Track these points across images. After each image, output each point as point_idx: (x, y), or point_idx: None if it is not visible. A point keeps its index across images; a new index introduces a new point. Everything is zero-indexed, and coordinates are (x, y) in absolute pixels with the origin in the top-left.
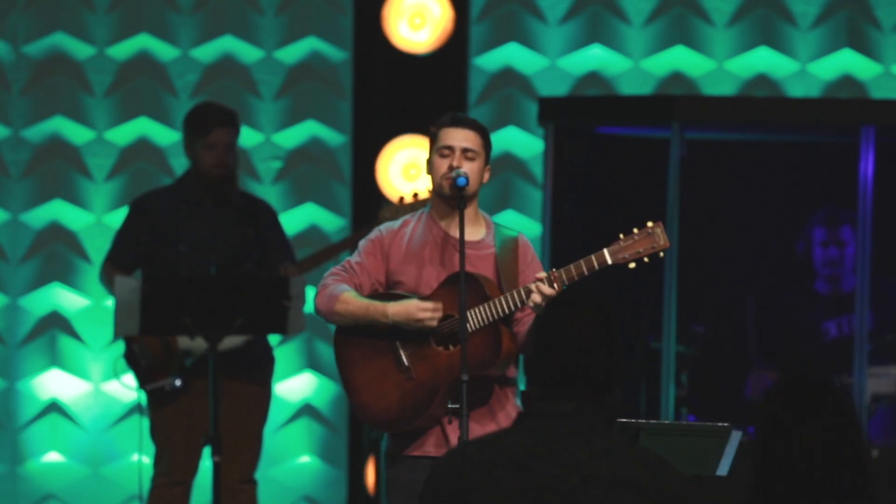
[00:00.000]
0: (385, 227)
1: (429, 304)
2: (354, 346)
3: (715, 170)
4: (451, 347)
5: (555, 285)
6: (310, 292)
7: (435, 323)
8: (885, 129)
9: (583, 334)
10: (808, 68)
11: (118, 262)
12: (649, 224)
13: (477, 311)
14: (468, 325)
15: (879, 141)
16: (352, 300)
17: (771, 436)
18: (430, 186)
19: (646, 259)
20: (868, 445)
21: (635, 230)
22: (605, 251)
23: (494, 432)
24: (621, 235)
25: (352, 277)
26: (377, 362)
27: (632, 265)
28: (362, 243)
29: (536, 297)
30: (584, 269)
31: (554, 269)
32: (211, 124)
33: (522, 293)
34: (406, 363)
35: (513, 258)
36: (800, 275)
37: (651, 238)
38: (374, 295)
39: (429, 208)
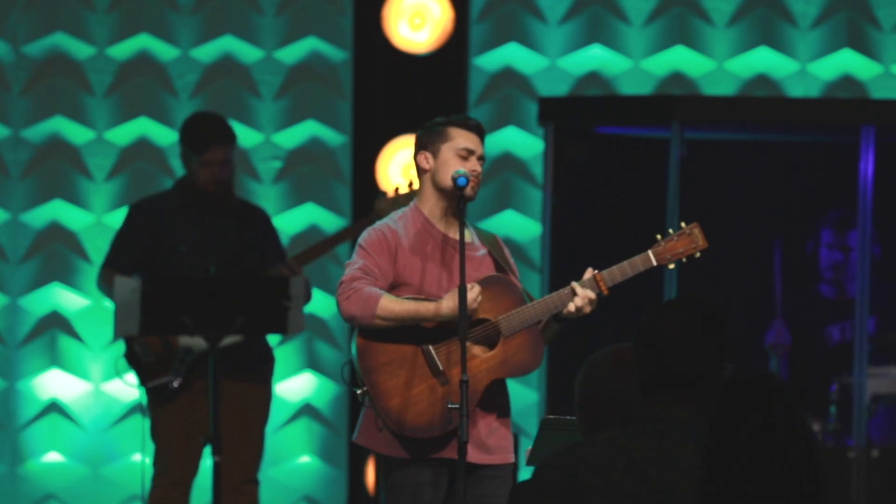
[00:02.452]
0: (385, 227)
1: (475, 289)
2: (380, 351)
3: (715, 170)
4: (492, 350)
5: (600, 286)
6: (314, 294)
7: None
8: (885, 129)
9: (688, 338)
10: (808, 68)
11: (116, 266)
12: (683, 225)
13: (521, 312)
14: (510, 327)
15: (879, 141)
16: (394, 302)
17: (714, 433)
18: (429, 181)
19: (684, 259)
20: (817, 446)
21: (671, 231)
22: (650, 253)
23: (603, 435)
24: (659, 237)
25: (376, 281)
26: (407, 367)
27: (671, 266)
28: (367, 243)
29: (580, 302)
30: (630, 270)
31: (597, 272)
32: (207, 142)
33: (570, 294)
34: (441, 367)
35: (501, 256)
36: (802, 275)
37: (690, 238)
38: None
39: (413, 206)
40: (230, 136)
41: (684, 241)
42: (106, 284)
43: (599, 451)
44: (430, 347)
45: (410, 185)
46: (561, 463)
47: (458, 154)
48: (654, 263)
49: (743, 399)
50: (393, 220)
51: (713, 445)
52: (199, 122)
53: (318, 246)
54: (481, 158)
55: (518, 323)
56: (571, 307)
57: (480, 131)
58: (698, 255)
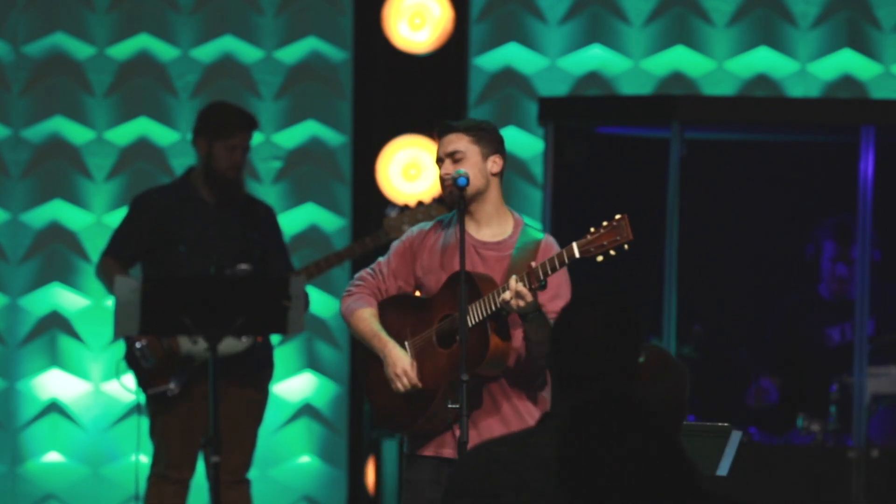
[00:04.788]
0: (417, 228)
1: (411, 374)
2: None
3: (715, 170)
4: (452, 347)
5: (528, 281)
6: (314, 294)
7: (401, 389)
8: (885, 129)
9: (600, 335)
10: (808, 68)
11: (117, 256)
12: (616, 217)
13: (469, 309)
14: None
15: (879, 141)
16: (365, 321)
17: (573, 459)
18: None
19: (612, 252)
20: (691, 469)
21: (604, 223)
22: (574, 245)
23: (519, 432)
24: (591, 229)
25: (378, 283)
26: None
27: (599, 258)
28: (396, 243)
29: (506, 295)
30: (556, 263)
31: (530, 265)
32: (235, 127)
33: (500, 292)
34: (413, 363)
35: (529, 259)
36: (802, 276)
37: (616, 230)
38: (403, 299)
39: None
40: (255, 125)
41: (610, 233)
42: (105, 274)
43: (511, 449)
44: (407, 343)
45: (419, 203)
46: (475, 461)
47: (438, 166)
48: (577, 255)
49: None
50: (435, 221)
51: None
52: (225, 108)
53: (324, 261)
54: (452, 154)
55: (466, 319)
56: (500, 299)
57: (445, 129)
58: (626, 247)
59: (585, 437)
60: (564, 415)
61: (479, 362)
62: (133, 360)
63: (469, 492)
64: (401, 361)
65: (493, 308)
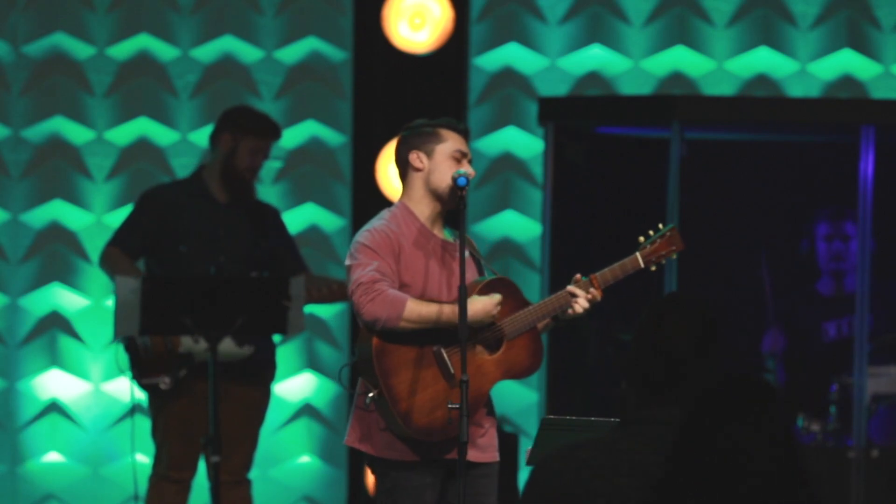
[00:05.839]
0: (385, 227)
1: (498, 298)
2: (395, 354)
3: (715, 170)
4: (496, 353)
5: (595, 286)
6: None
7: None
8: (885, 129)
9: (689, 340)
10: (808, 68)
11: (124, 247)
12: (667, 227)
13: (523, 315)
14: (513, 330)
15: (879, 141)
16: (420, 305)
17: (688, 435)
18: (421, 182)
19: (663, 262)
20: (803, 466)
21: (652, 233)
22: (638, 255)
23: (598, 436)
24: (641, 239)
25: (392, 283)
26: (422, 371)
27: (653, 268)
28: (374, 244)
29: (584, 303)
30: (620, 272)
31: (593, 274)
32: (265, 131)
33: (567, 296)
34: (451, 370)
35: (477, 255)
36: (801, 275)
37: (671, 240)
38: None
39: (400, 205)
40: (280, 135)
41: (665, 243)
42: (108, 265)
43: (601, 454)
44: (442, 350)
45: None
46: (563, 465)
47: (452, 156)
48: (642, 265)
49: (724, 405)
50: (386, 221)
51: (683, 450)
52: (257, 112)
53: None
54: (470, 161)
55: (521, 326)
56: (578, 308)
57: (468, 135)
58: (674, 256)
59: (715, 419)
60: (652, 420)
61: (536, 367)
62: (132, 348)
63: (554, 497)
64: (491, 303)
65: (557, 312)
